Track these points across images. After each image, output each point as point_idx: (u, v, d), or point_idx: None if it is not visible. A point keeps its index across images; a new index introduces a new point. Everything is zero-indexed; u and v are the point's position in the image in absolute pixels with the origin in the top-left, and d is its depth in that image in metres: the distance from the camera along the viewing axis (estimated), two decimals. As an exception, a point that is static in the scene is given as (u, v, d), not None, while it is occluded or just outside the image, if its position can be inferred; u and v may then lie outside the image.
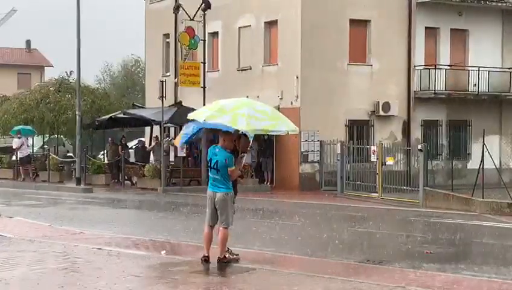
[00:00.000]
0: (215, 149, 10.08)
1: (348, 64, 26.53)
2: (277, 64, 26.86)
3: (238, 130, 9.88)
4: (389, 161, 23.04)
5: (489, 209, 18.78)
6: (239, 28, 28.53)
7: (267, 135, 25.14)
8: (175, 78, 28.03)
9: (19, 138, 29.21)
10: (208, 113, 10.20)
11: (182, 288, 8.77)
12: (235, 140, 10.18)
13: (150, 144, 29.05)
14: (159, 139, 26.66)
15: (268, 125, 10.05)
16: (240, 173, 10.26)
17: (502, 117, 29.60)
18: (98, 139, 32.78)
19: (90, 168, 27.34)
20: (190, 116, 10.79)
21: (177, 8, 27.37)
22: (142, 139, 31.74)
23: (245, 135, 10.23)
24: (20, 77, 61.17)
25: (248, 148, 10.54)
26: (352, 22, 26.58)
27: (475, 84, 28.13)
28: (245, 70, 28.03)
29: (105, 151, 30.44)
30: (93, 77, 57.21)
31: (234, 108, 9.96)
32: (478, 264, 11.04)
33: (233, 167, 9.92)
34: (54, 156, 29.91)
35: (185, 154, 26.20)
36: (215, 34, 29.42)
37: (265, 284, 9.02)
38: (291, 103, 25.68)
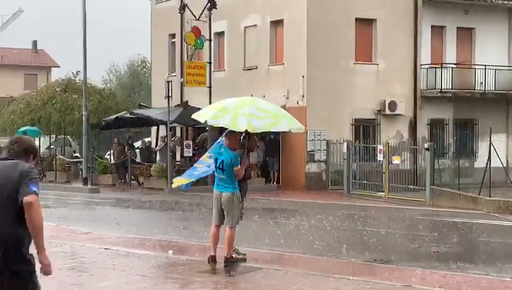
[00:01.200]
0: (220, 149, 10.10)
1: (354, 63, 26.50)
2: (283, 64, 26.84)
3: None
4: (396, 160, 22.99)
5: (496, 208, 18.72)
6: (245, 27, 28.52)
7: (273, 134, 25.23)
8: (181, 78, 28.04)
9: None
10: (210, 114, 10.24)
11: (189, 288, 8.78)
12: (242, 139, 10.20)
13: (157, 144, 29.09)
14: (166, 139, 26.69)
15: (269, 123, 10.07)
16: (250, 172, 10.31)
17: (508, 115, 29.50)
18: (104, 140, 32.84)
19: (96, 168, 27.39)
20: (194, 116, 10.85)
21: (182, 8, 27.39)
22: (146, 139, 31.78)
23: (251, 134, 10.25)
24: (26, 77, 61.32)
25: (255, 147, 10.57)
26: (358, 21, 26.54)
27: (482, 83, 28.04)
28: (251, 69, 28.03)
29: (111, 151, 30.50)
30: (100, 77, 57.32)
31: (236, 107, 9.99)
32: (486, 263, 11.01)
33: (239, 166, 9.93)
34: (61, 156, 29.97)
35: (191, 154, 26.22)
36: (221, 34, 29.43)
37: (272, 284, 9.01)
38: (297, 103, 25.65)
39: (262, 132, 10.40)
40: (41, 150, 32.15)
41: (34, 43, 65.84)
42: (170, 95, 25.01)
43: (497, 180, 20.64)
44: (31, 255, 4.84)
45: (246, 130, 9.86)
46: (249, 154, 10.65)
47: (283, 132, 25.39)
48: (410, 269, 10.17)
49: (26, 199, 4.71)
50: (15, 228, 4.75)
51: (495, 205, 18.87)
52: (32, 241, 4.82)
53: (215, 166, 10.08)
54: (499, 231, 15.35)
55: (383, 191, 22.66)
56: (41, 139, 33.20)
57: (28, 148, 5.11)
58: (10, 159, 4.97)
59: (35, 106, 31.29)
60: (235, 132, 10.06)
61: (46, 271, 4.90)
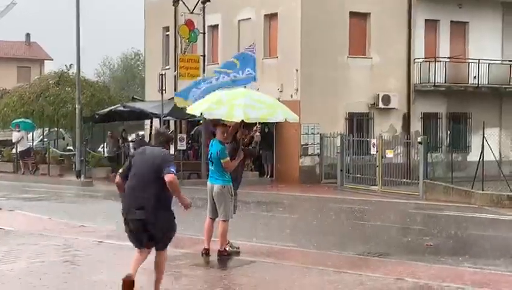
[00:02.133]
0: (212, 142, 10.20)
1: (348, 57, 26.50)
2: (277, 57, 26.82)
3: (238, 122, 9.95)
4: (389, 154, 23.04)
5: (489, 202, 18.79)
6: (239, 21, 28.48)
7: (267, 128, 25.22)
8: (175, 71, 27.99)
9: (18, 131, 29.19)
10: (205, 105, 10.22)
11: (183, 281, 8.79)
12: (237, 131, 10.22)
13: (150, 137, 29.04)
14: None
15: (265, 113, 10.10)
16: (254, 150, 10.59)
17: (501, 109, 29.58)
18: (97, 133, 32.77)
19: (90, 161, 27.35)
20: (189, 110, 10.84)
21: (176, 0, 27.30)
22: (140, 132, 31.74)
23: (245, 125, 10.27)
24: (19, 70, 61.09)
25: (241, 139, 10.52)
26: (352, 14, 26.54)
27: (475, 77, 28.11)
28: (245, 63, 27.95)
29: (105, 144, 30.43)
30: (93, 70, 57.25)
31: (231, 99, 10.00)
32: (478, 256, 11.07)
33: (226, 159, 9.95)
34: (54, 149, 29.90)
35: (185, 148, 26.21)
36: (214, 27, 29.37)
37: (266, 277, 9.04)
38: (291, 96, 25.64)
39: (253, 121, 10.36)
40: (34, 143, 32.08)
41: (27, 35, 65.58)
42: (164, 88, 24.97)
43: (490, 173, 20.70)
44: (172, 210, 7.59)
45: (242, 121, 9.89)
46: (250, 147, 10.71)
47: (277, 126, 25.47)
48: (403, 262, 10.21)
49: (167, 176, 7.37)
50: (159, 190, 7.42)
51: (488, 199, 18.94)
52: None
53: (208, 158, 10.20)
54: (492, 224, 15.40)
55: (376, 185, 22.71)
56: (35, 132, 33.13)
57: (168, 139, 7.99)
58: (158, 147, 7.72)
59: (28, 98, 31.18)
60: (224, 124, 10.14)
61: (185, 206, 7.58)
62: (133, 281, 7.47)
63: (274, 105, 10.36)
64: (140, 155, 7.67)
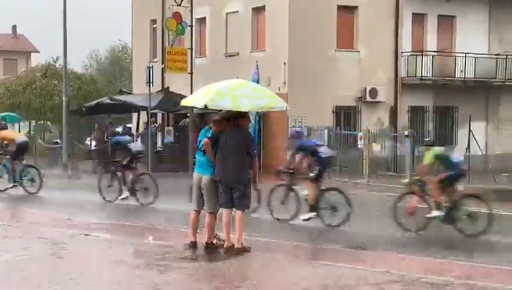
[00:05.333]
0: (206, 133, 10.05)
1: (335, 50, 26.54)
2: (264, 50, 26.81)
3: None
4: (376, 147, 23.12)
5: (475, 195, 18.81)
6: (226, 13, 28.44)
7: (254, 121, 25.22)
8: (162, 64, 27.93)
9: (4, 124, 29.02)
10: (207, 97, 9.94)
11: (169, 274, 8.79)
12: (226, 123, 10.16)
13: (138, 130, 28.98)
14: (147, 124, 26.61)
15: (269, 102, 10.17)
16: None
17: (488, 103, 29.75)
18: (85, 125, 32.67)
19: (77, 154, 27.27)
20: (186, 103, 10.63)
21: (164, -7, 27.23)
22: (128, 125, 31.63)
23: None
24: (6, 62, 60.74)
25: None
26: (340, 8, 26.57)
27: (462, 71, 28.26)
28: (233, 56, 27.97)
29: (92, 137, 30.33)
30: (80, 63, 56.90)
31: (231, 89, 9.88)
32: (464, 249, 11.14)
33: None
34: (41, 142, 29.80)
35: (172, 140, 26.19)
36: (202, 20, 29.32)
37: (251, 270, 9.06)
38: (279, 89, 25.57)
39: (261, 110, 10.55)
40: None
41: (14, 27, 65.16)
42: (151, 81, 24.93)
43: (476, 167, 20.84)
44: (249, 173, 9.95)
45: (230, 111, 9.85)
46: None
47: (264, 118, 25.48)
48: (389, 254, 10.25)
49: (253, 156, 9.99)
50: (245, 161, 9.80)
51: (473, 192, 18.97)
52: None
53: (198, 148, 10.06)
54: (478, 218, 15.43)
55: (364, 178, 22.77)
56: (21, 124, 33.00)
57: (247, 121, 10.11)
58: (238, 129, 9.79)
59: (15, 91, 31.09)
60: (222, 118, 10.07)
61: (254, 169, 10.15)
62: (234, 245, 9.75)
63: (271, 94, 10.37)
64: (227, 135, 9.68)
